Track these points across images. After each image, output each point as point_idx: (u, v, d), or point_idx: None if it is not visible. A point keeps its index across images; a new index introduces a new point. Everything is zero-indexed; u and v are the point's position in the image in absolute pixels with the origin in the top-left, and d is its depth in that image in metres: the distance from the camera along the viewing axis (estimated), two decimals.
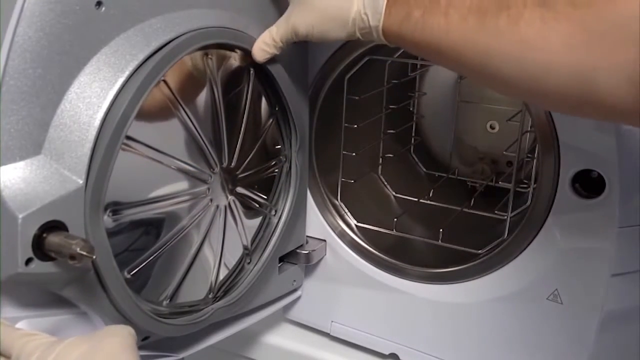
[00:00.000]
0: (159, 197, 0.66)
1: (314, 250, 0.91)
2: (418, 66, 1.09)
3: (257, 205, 0.81)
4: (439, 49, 0.59)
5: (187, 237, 0.71)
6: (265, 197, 0.83)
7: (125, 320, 0.61)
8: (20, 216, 0.49)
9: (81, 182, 0.53)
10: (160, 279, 0.69)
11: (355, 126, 0.93)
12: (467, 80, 1.08)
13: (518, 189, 0.95)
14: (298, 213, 0.87)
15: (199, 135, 0.69)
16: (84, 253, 0.49)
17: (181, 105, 0.66)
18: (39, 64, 0.50)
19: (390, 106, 1.04)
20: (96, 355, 0.49)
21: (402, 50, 0.96)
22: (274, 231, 0.84)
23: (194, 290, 0.74)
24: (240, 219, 0.79)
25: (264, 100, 0.79)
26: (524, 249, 0.78)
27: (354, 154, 0.95)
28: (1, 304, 0.54)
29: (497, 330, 0.82)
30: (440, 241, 0.88)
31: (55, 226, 0.51)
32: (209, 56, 0.69)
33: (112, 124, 0.55)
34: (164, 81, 0.63)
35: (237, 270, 0.80)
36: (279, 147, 0.83)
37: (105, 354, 0.50)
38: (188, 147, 0.68)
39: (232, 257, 0.79)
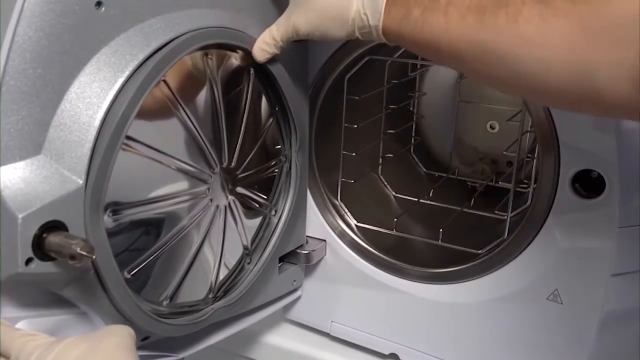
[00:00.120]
0: (159, 197, 0.66)
1: (314, 250, 0.91)
2: (418, 66, 1.09)
3: (257, 205, 0.81)
4: (438, 47, 0.59)
5: (187, 237, 0.71)
6: (265, 197, 0.83)
7: (125, 320, 0.61)
8: (20, 216, 0.49)
9: (81, 182, 0.53)
10: (160, 279, 0.69)
11: (355, 126, 0.93)
12: (467, 80, 1.08)
13: (518, 189, 0.95)
14: (298, 213, 0.87)
15: (199, 135, 0.69)
16: (84, 253, 0.49)
17: (181, 105, 0.66)
18: (39, 64, 0.50)
19: (390, 106, 1.04)
20: (95, 355, 0.49)
21: (402, 50, 0.96)
22: (274, 231, 0.84)
23: (194, 290, 0.74)
24: (240, 219, 0.79)
25: (264, 100, 0.79)
26: (524, 249, 0.78)
27: (354, 154, 0.95)
28: (1, 304, 0.54)
29: (497, 330, 0.82)
30: (440, 241, 0.88)
31: (55, 226, 0.51)
32: (209, 56, 0.69)
33: (112, 124, 0.55)
34: (164, 81, 0.63)
35: (237, 270, 0.80)
36: (279, 147, 0.83)
37: (104, 354, 0.50)
38: (188, 147, 0.68)
39: (232, 257, 0.79)
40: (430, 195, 1.02)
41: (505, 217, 0.84)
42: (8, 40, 0.49)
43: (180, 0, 0.62)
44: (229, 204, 0.76)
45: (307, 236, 0.92)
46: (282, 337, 0.99)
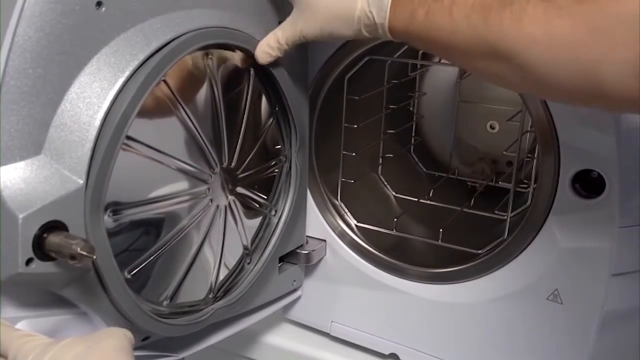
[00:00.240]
0: (159, 197, 0.66)
1: (314, 250, 0.91)
2: (418, 66, 1.09)
3: (257, 205, 0.81)
4: (445, 46, 0.59)
5: (187, 237, 0.71)
6: (265, 197, 0.83)
7: (126, 320, 0.61)
8: (21, 216, 0.49)
9: (81, 182, 0.53)
10: (161, 279, 0.69)
11: (355, 126, 0.93)
12: (467, 80, 1.08)
13: (518, 189, 0.95)
14: (298, 213, 0.87)
15: (199, 135, 0.69)
16: (84, 253, 0.49)
17: (181, 105, 0.66)
18: (39, 64, 0.50)
19: (390, 106, 1.04)
20: (91, 357, 0.49)
21: (402, 50, 0.96)
22: (274, 231, 0.84)
23: (194, 290, 0.74)
24: (240, 219, 0.79)
25: (264, 100, 0.79)
26: (524, 249, 0.78)
27: (354, 154, 0.95)
28: (1, 304, 0.54)
29: (497, 330, 0.82)
30: (440, 241, 0.88)
31: (55, 226, 0.51)
32: (209, 56, 0.69)
33: (113, 124, 0.55)
34: (164, 81, 0.63)
35: (237, 270, 0.80)
36: (279, 147, 0.83)
37: (101, 356, 0.50)
38: (188, 147, 0.68)
39: (232, 257, 0.79)
40: (430, 195, 1.02)
41: (505, 217, 0.84)
42: (8, 40, 0.49)
43: (180, 0, 0.62)
44: (229, 204, 0.76)
45: (307, 236, 0.92)
46: (282, 337, 0.99)
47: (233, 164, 0.75)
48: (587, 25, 0.50)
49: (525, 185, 0.98)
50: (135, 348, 0.55)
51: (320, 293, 0.95)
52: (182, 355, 0.74)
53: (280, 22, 0.75)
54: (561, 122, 0.72)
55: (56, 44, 0.51)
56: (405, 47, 0.96)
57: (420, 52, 1.04)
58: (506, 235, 0.82)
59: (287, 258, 0.89)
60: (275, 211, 0.84)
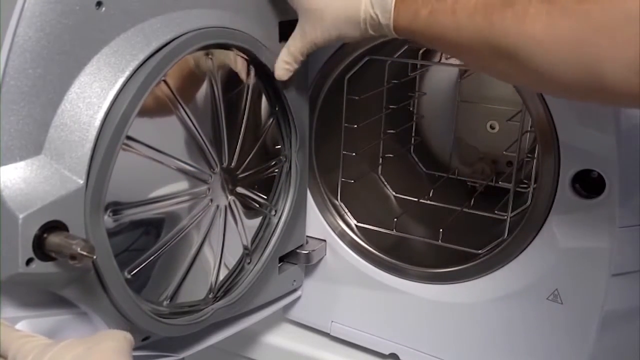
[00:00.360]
0: (159, 197, 0.66)
1: (314, 250, 0.91)
2: (418, 66, 1.09)
3: (257, 205, 0.81)
4: (450, 44, 0.61)
5: (187, 237, 0.71)
6: (265, 197, 0.83)
7: (126, 320, 0.61)
8: (21, 216, 0.49)
9: (81, 182, 0.53)
10: (161, 279, 0.69)
11: (355, 126, 0.93)
12: (467, 80, 1.08)
13: (518, 189, 0.95)
14: (298, 213, 0.87)
15: (199, 135, 0.69)
16: (85, 253, 0.49)
17: (181, 105, 0.66)
18: (39, 64, 0.50)
19: (390, 106, 1.04)
20: (90, 358, 0.49)
21: (402, 50, 0.97)
22: (274, 231, 0.84)
23: (194, 290, 0.74)
24: (240, 219, 0.79)
25: (264, 100, 0.79)
26: (524, 249, 0.78)
27: (354, 154, 0.95)
28: (1, 304, 0.54)
29: (497, 330, 0.82)
30: (440, 241, 0.88)
31: (55, 226, 0.51)
32: (209, 56, 0.69)
33: (113, 124, 0.55)
34: (164, 81, 0.63)
35: (237, 271, 0.80)
36: (279, 147, 0.83)
37: (99, 357, 0.50)
38: (188, 147, 0.68)
39: (232, 257, 0.79)
40: (430, 195, 1.02)
41: (505, 217, 0.84)
42: (8, 40, 0.49)
43: (180, 0, 0.62)
44: (229, 204, 0.76)
45: (307, 236, 0.92)
46: (282, 337, 0.99)
47: (233, 164, 0.75)
48: (589, 24, 0.50)
49: (525, 185, 0.98)
50: (135, 348, 0.55)
51: (320, 293, 0.95)
52: (182, 355, 0.74)
53: (280, 23, 0.75)
54: (561, 122, 0.72)
55: (56, 44, 0.51)
56: (406, 47, 0.96)
57: (421, 52, 1.04)
58: (506, 235, 0.82)
59: (287, 258, 0.89)
60: (275, 211, 0.84)
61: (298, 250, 0.90)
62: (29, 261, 0.50)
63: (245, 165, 0.77)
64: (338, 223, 0.94)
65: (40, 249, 0.50)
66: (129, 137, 0.58)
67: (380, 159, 1.08)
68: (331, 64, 0.86)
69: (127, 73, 0.56)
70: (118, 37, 0.56)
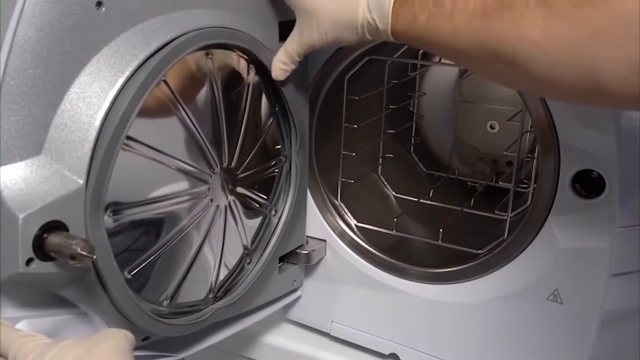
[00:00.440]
0: (159, 197, 0.66)
1: (314, 250, 0.91)
2: (418, 66, 1.09)
3: (257, 205, 0.81)
4: (448, 49, 0.60)
5: (187, 237, 0.71)
6: (265, 197, 0.83)
7: (126, 320, 0.61)
8: (21, 216, 0.49)
9: (81, 182, 0.53)
10: (161, 279, 0.69)
11: (355, 126, 0.93)
12: (467, 80, 1.08)
13: (518, 189, 0.95)
14: (298, 213, 0.87)
15: (199, 135, 0.69)
16: (85, 253, 0.49)
17: (181, 105, 0.66)
18: (39, 64, 0.50)
19: (390, 106, 1.04)
20: (90, 358, 0.49)
21: (402, 50, 0.96)
22: (274, 231, 0.84)
23: (194, 290, 0.74)
24: (241, 219, 0.79)
25: (264, 100, 0.79)
26: (524, 249, 0.78)
27: (354, 154, 0.95)
28: (1, 304, 0.54)
29: (497, 330, 0.82)
30: (440, 241, 0.88)
31: (55, 226, 0.51)
32: (209, 56, 0.69)
33: (113, 124, 0.55)
34: (165, 81, 0.63)
35: (237, 270, 0.80)
36: (279, 147, 0.83)
37: (100, 357, 0.50)
38: (188, 147, 0.68)
39: (232, 257, 0.79)
40: (430, 195, 1.02)
41: (505, 217, 0.84)
42: (8, 40, 0.49)
43: (180, 0, 0.62)
44: (229, 204, 0.76)
45: (307, 236, 0.92)
46: (282, 337, 0.99)
47: (233, 164, 0.75)
48: (587, 27, 0.50)
49: (525, 185, 0.98)
50: (136, 348, 0.55)
51: (320, 293, 0.95)
52: (182, 355, 0.74)
53: (280, 23, 0.75)
54: (561, 122, 0.72)
55: (56, 44, 0.51)
56: (405, 47, 0.96)
57: (420, 52, 1.04)
58: (506, 235, 0.82)
59: (287, 258, 0.89)
60: (275, 211, 0.84)
61: (298, 250, 0.90)
62: (29, 261, 0.50)
63: (245, 165, 0.77)
64: (338, 223, 0.94)
65: (40, 249, 0.50)
66: (129, 137, 0.58)
67: (380, 159, 1.08)
68: (331, 64, 0.86)
69: (127, 73, 0.56)
70: (118, 37, 0.56)
